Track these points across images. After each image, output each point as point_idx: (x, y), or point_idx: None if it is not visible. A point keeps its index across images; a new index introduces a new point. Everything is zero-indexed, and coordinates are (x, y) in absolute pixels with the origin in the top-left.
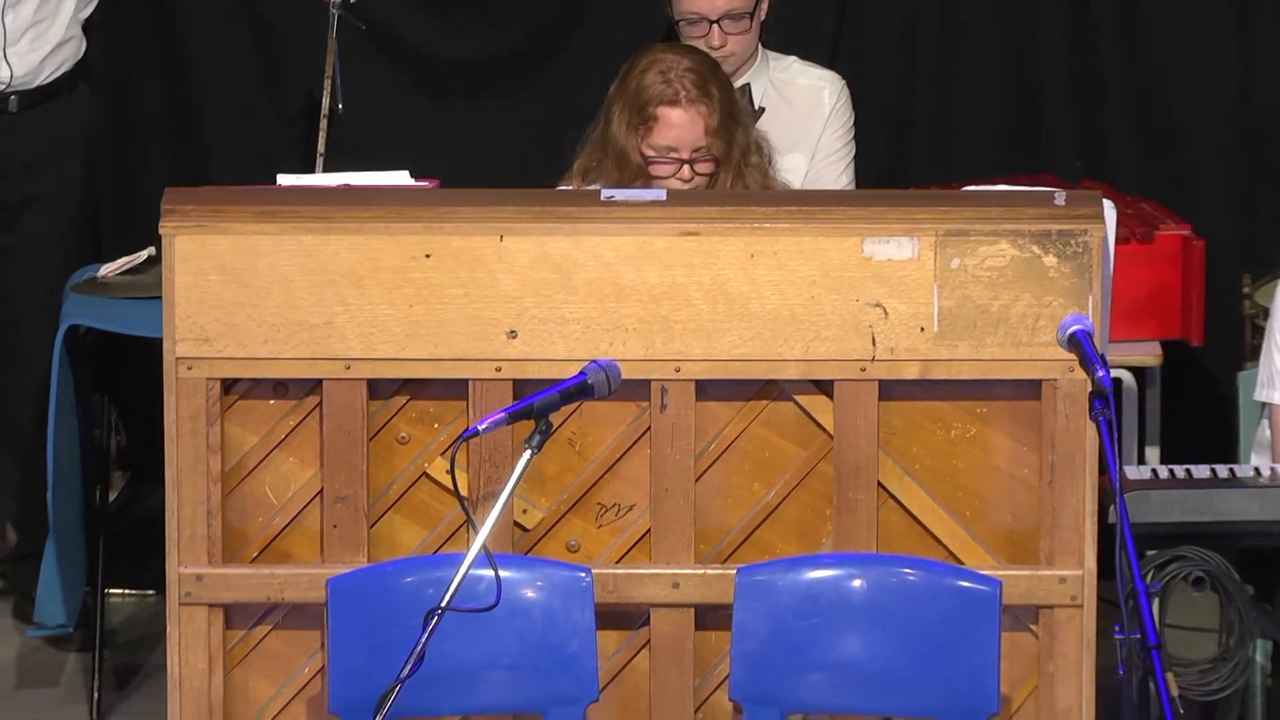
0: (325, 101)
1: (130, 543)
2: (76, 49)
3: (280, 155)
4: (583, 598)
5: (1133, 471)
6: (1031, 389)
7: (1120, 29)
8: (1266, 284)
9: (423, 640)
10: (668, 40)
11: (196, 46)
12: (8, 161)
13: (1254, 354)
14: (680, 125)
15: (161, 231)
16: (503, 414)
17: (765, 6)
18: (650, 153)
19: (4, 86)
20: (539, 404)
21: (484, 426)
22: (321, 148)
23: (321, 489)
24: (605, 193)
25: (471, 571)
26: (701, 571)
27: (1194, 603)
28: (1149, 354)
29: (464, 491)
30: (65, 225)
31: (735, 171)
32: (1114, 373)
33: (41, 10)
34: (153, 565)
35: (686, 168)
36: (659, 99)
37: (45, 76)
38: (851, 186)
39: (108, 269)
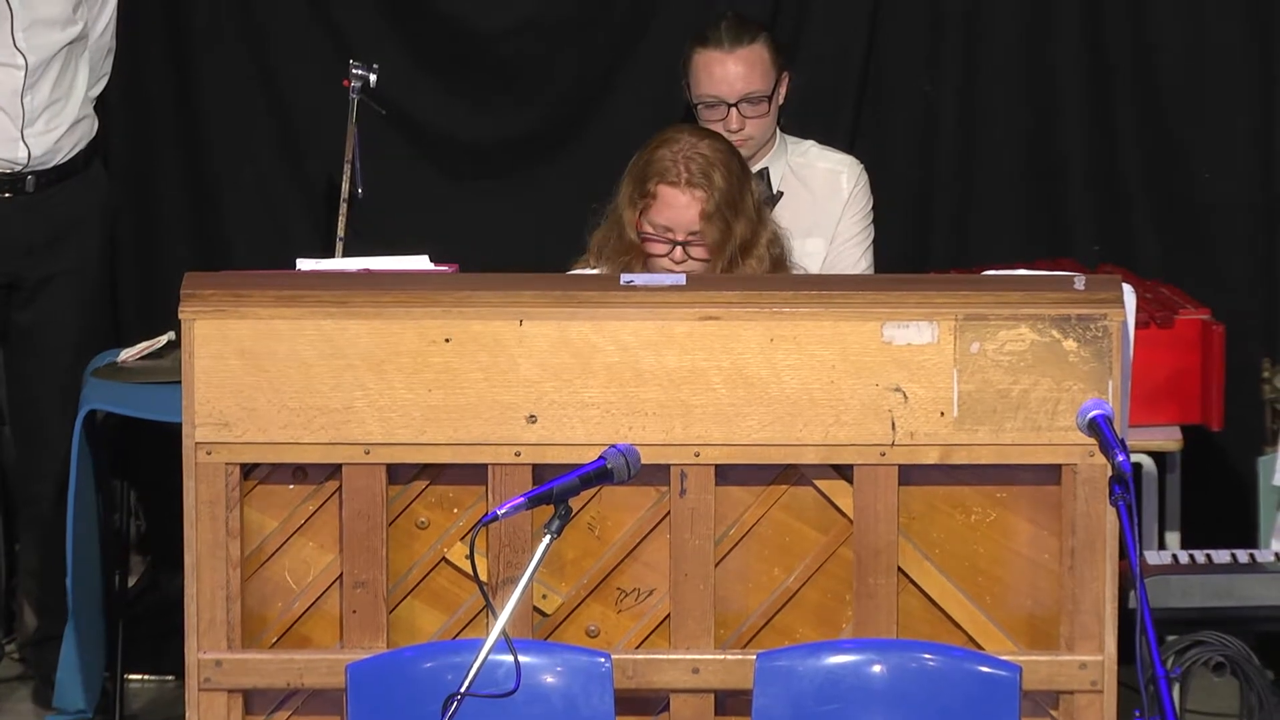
0: (345, 185)
1: (150, 627)
2: (90, 127)
3: (300, 239)
4: (602, 683)
5: (1153, 556)
6: (1051, 474)
7: (1141, 112)
8: None
9: None
10: (685, 122)
11: (216, 130)
12: (27, 240)
13: (1274, 439)
14: (675, 206)
15: (181, 316)
16: (522, 499)
17: (784, 90)
18: (648, 229)
19: (22, 167)
20: (558, 489)
21: (503, 511)
22: (341, 232)
23: (341, 574)
24: (625, 277)
25: (491, 657)
26: (721, 657)
27: (1215, 688)
28: (1169, 439)
29: (483, 577)
30: (84, 303)
31: (729, 262)
32: (1134, 457)
33: (57, 90)
34: (172, 650)
35: (679, 249)
36: (660, 176)
37: (62, 156)
38: (870, 271)
39: (127, 354)
